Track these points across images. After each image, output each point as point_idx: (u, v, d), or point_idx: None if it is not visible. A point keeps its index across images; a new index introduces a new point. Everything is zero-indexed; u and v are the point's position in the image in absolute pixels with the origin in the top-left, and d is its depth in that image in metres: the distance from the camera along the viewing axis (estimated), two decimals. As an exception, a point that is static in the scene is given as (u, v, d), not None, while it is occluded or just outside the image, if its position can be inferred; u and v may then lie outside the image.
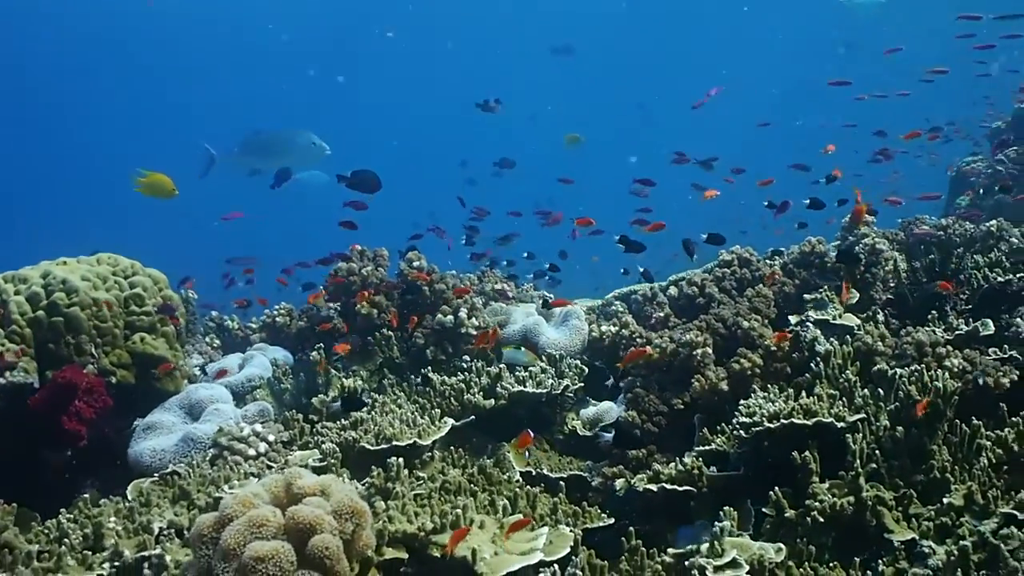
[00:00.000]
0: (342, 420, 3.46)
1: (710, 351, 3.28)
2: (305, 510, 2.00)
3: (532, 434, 3.39)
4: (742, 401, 2.90)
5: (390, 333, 4.12)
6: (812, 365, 3.03)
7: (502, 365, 3.74)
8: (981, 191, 6.41)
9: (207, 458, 3.26)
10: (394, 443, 3.17)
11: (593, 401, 3.89)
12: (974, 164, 6.68)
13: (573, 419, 3.71)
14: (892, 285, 3.72)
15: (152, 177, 4.16)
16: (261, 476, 3.05)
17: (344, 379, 3.88)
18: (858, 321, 3.39)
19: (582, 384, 3.75)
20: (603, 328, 4.14)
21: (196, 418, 3.58)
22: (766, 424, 2.70)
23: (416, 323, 4.10)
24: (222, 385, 3.83)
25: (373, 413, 3.48)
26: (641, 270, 4.65)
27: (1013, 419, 2.52)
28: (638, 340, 3.96)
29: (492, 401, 3.55)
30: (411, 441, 3.18)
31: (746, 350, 3.20)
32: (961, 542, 2.13)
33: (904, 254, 4.10)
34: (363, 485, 2.86)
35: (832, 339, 3.13)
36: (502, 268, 5.58)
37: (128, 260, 3.98)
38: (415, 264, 4.32)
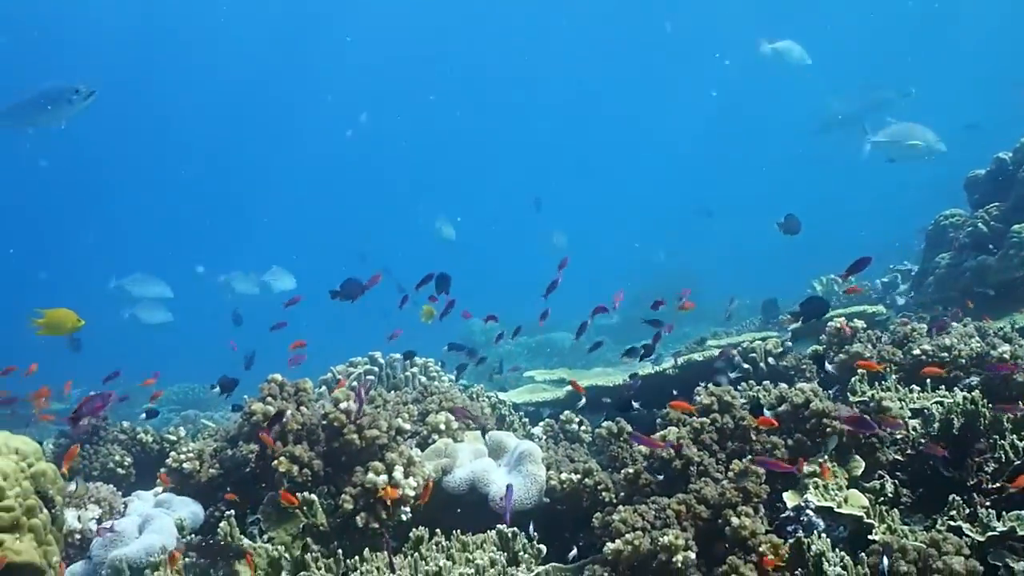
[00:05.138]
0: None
1: (692, 556, 2.70)
2: None
3: None
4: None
5: (312, 496, 3.48)
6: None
7: (442, 561, 3.13)
8: (958, 247, 5.97)
9: None
10: None
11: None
12: (952, 218, 6.21)
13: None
14: (899, 437, 3.18)
15: (52, 315, 3.83)
16: None
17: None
18: (866, 503, 2.84)
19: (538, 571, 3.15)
20: (563, 476, 3.55)
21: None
22: None
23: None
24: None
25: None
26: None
27: None
28: (603, 495, 3.42)
29: (430, 612, 2.94)
30: None
31: (738, 562, 2.62)
32: None
33: (902, 381, 3.58)
34: None
35: (842, 552, 2.55)
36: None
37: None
38: (342, 405, 3.68)
